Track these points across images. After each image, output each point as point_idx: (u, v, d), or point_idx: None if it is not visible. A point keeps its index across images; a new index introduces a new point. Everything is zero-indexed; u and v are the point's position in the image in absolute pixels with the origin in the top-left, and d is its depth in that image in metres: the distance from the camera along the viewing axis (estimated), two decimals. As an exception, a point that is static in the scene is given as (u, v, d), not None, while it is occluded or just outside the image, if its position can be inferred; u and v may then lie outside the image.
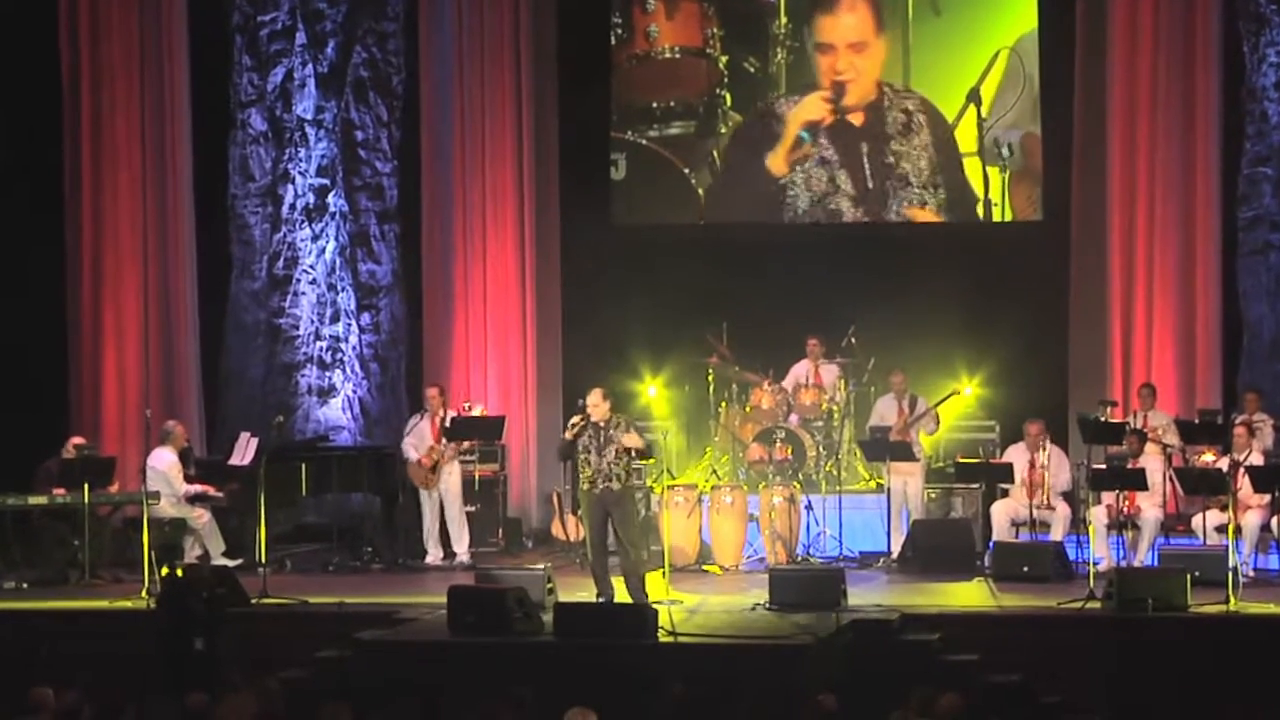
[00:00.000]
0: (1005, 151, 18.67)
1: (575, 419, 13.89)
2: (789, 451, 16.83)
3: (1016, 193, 18.70)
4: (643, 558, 13.94)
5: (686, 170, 19.19)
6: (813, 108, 18.87)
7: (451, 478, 16.60)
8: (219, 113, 18.79)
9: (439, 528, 16.59)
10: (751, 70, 19.05)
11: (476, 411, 17.07)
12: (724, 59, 19.07)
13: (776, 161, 18.97)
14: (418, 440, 16.57)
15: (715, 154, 19.14)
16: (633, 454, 13.78)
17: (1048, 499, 15.54)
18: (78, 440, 16.42)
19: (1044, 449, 15.69)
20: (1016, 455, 15.73)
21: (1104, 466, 15.10)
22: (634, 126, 19.25)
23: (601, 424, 13.77)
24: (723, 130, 19.10)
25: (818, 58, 18.84)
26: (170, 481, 15.99)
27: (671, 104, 19.19)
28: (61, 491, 15.77)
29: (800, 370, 17.81)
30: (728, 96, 19.09)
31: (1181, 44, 17.46)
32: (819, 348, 17.74)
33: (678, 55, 19.20)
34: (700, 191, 19.20)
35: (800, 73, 18.92)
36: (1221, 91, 17.53)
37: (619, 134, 19.26)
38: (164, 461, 16.05)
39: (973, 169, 18.74)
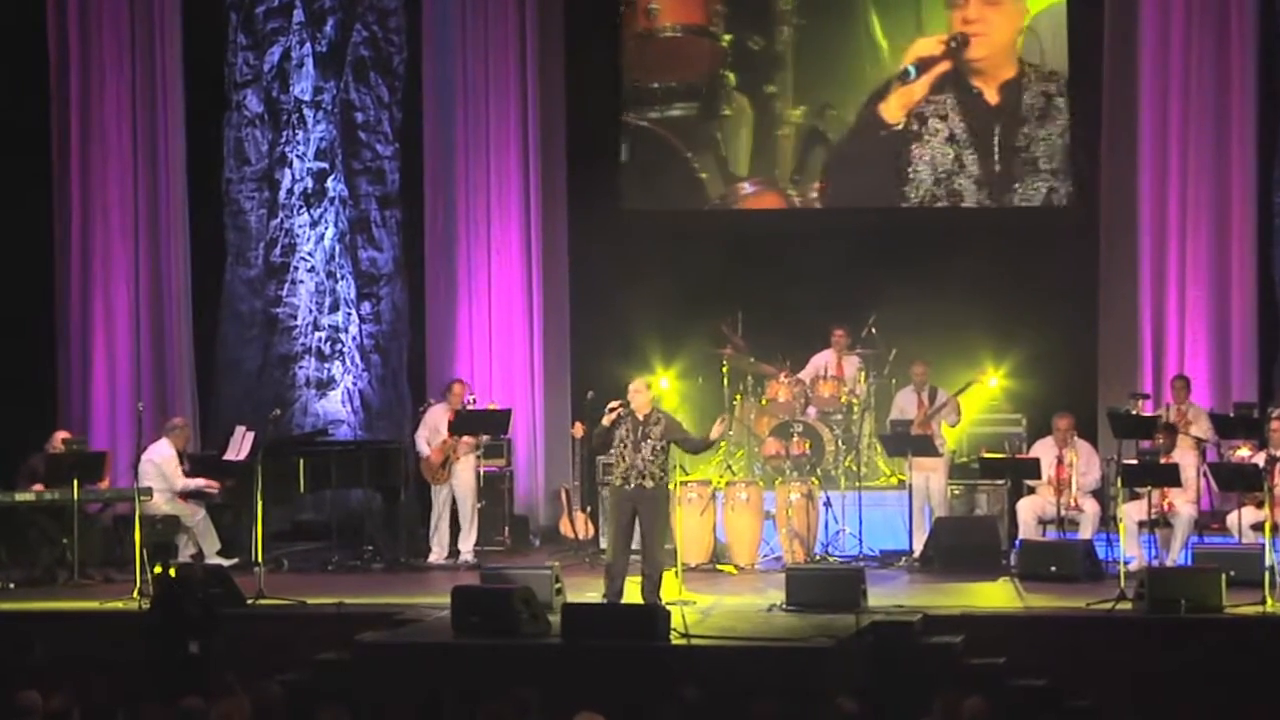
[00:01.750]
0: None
1: (613, 404, 13.42)
2: (807, 446, 16.64)
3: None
4: (663, 558, 13.63)
5: (689, 154, 18.94)
6: (927, 46, 18.42)
7: (465, 473, 16.43)
8: (213, 94, 18.67)
9: (446, 525, 16.35)
10: (755, 49, 18.77)
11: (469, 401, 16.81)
12: (727, 38, 18.82)
13: (890, 109, 18.51)
14: (431, 433, 16.36)
15: (719, 136, 18.81)
16: (704, 442, 13.55)
17: (1075, 498, 15.29)
18: (65, 435, 16.33)
19: (1072, 444, 15.46)
20: (1044, 450, 15.54)
21: (1135, 462, 14.93)
22: (635, 108, 18.99)
23: (641, 417, 13.32)
24: (726, 112, 18.76)
25: (949, 13, 18.32)
26: (166, 475, 15.84)
27: (673, 84, 18.93)
28: (40, 487, 15.59)
29: (821, 361, 17.59)
30: (731, 77, 18.82)
31: (1215, 19, 17.20)
32: (845, 339, 17.50)
33: (679, 34, 18.95)
34: (704, 176, 18.86)
35: (809, 53, 18.53)
36: (1258, 70, 17.25)
37: (620, 116, 18.98)
38: (161, 455, 15.92)
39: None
